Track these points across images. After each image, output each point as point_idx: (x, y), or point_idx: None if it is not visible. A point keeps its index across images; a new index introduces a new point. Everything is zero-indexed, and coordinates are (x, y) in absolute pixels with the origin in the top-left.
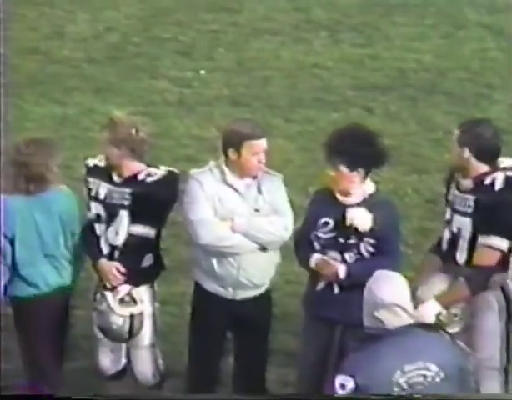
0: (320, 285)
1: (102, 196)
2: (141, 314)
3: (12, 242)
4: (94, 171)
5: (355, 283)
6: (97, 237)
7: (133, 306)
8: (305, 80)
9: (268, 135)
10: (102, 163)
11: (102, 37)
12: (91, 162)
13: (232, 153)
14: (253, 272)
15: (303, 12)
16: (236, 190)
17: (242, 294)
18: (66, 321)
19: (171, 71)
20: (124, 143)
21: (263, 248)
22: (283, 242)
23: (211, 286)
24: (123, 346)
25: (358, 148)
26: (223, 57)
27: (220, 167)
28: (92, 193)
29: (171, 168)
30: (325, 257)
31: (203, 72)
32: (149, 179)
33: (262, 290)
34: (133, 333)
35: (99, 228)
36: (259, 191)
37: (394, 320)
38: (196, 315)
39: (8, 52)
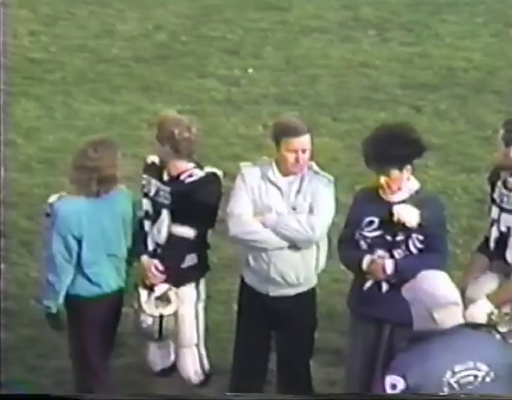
0: (367, 284)
1: (151, 193)
2: (173, 315)
3: (79, 243)
4: (149, 168)
5: (404, 280)
6: (145, 234)
7: (165, 306)
8: (353, 78)
9: (316, 133)
10: (157, 161)
11: (150, 35)
12: (150, 159)
13: (276, 148)
14: (285, 269)
15: (352, 10)
16: (277, 186)
17: (276, 291)
18: (118, 320)
19: (219, 69)
20: (168, 142)
21: (295, 246)
22: (310, 241)
23: (250, 280)
24: (171, 343)
25: (403, 147)
26: (271, 55)
27: (269, 162)
28: (145, 190)
29: (214, 170)
30: (374, 257)
31: (250, 70)
32: (188, 180)
33: (301, 289)
34: (165, 333)
35: (147, 225)
36: (301, 190)
37: (451, 320)
38: (239, 310)
39: (57, 50)
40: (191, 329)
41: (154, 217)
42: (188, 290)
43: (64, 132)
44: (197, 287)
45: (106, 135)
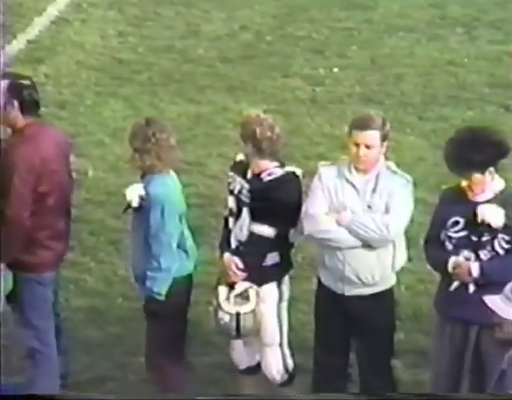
0: (454, 285)
1: (236, 190)
2: (252, 313)
3: (181, 220)
4: (236, 166)
5: (491, 282)
6: (229, 231)
7: (243, 304)
8: (440, 77)
9: (401, 133)
10: (244, 159)
11: (236, 35)
12: (238, 156)
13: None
14: (360, 268)
15: (439, 8)
16: (353, 185)
17: (351, 291)
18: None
19: (304, 69)
20: (251, 140)
21: (369, 246)
22: (384, 240)
23: (326, 280)
24: (256, 341)
25: (485, 151)
26: (357, 54)
27: (347, 161)
28: (230, 187)
29: (293, 169)
30: (459, 259)
31: (335, 69)
32: (267, 178)
33: (377, 289)
34: (243, 331)
35: (231, 222)
36: (376, 189)
37: None
38: (316, 309)
39: (144, 51)
40: (273, 328)
41: (237, 214)
42: (270, 289)
43: None
44: (279, 286)
45: (190, 135)
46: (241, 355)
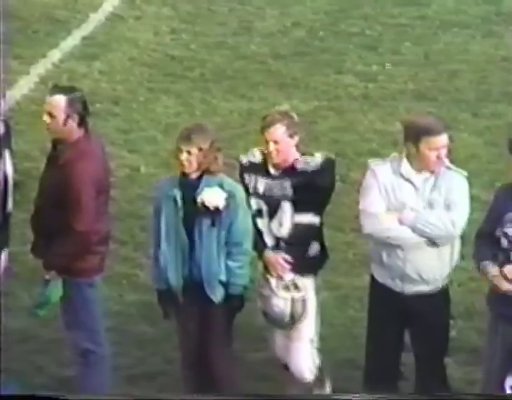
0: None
1: (261, 191)
2: (303, 300)
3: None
4: (249, 167)
5: None
6: (260, 231)
7: (295, 292)
8: (494, 74)
9: (454, 129)
10: (256, 159)
11: (289, 32)
12: (244, 159)
13: (410, 147)
14: (421, 266)
15: (494, 4)
16: (411, 183)
17: (411, 288)
18: None
19: (356, 65)
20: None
21: (433, 243)
22: (450, 237)
23: (382, 278)
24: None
25: None
26: (410, 50)
27: (400, 159)
28: (251, 189)
29: (326, 154)
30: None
31: (388, 65)
32: (308, 168)
33: (435, 286)
34: (295, 318)
35: (261, 222)
36: (436, 185)
37: None
38: (370, 307)
39: (197, 47)
40: (310, 321)
41: (270, 212)
42: (310, 281)
43: None
44: (316, 278)
45: (242, 131)
46: (284, 350)
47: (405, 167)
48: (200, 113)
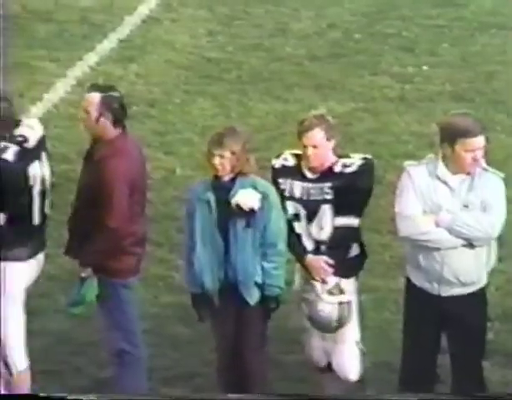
0: None
1: (297, 195)
2: (349, 303)
3: None
4: (283, 171)
5: None
6: (298, 235)
7: (341, 295)
8: None
9: (491, 131)
10: (289, 162)
11: (324, 33)
12: (277, 162)
13: (446, 149)
14: (459, 268)
15: None
16: (447, 185)
17: (448, 291)
18: None
19: (393, 67)
20: (333, 138)
21: (470, 245)
22: (488, 239)
23: (418, 280)
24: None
25: None
26: (447, 52)
27: (436, 160)
28: (286, 193)
29: (364, 155)
30: None
31: (425, 67)
32: (347, 170)
33: (472, 289)
34: (341, 322)
35: (299, 226)
36: (472, 187)
37: None
38: (406, 310)
39: (233, 49)
40: (355, 323)
41: (309, 216)
42: (352, 283)
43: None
44: (357, 279)
45: (277, 133)
46: (320, 353)
47: (441, 168)
48: (236, 115)
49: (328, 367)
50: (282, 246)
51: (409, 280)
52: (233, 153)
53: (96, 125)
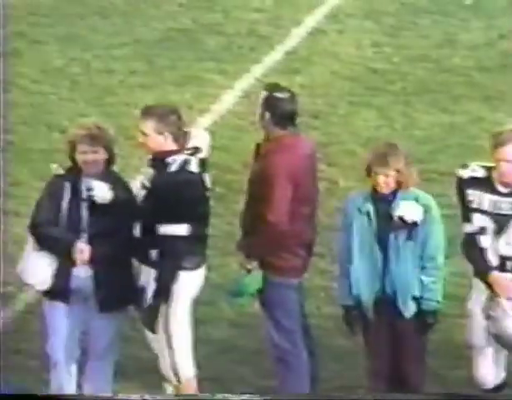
0: None
1: (486, 207)
2: None
3: None
4: (472, 182)
5: None
6: (481, 250)
7: None
8: None
9: None
10: (479, 174)
11: (494, 44)
12: (465, 173)
13: None
14: None
15: None
16: None
17: None
18: None
19: None
20: None
21: None
22: None
23: None
24: (503, 359)
25: None
26: None
27: None
28: (474, 205)
29: None
30: None
31: None
32: None
33: None
34: None
35: (485, 240)
36: None
37: None
38: None
39: (399, 60)
40: None
41: (496, 230)
42: None
43: (403, 142)
44: None
45: (442, 145)
46: (488, 372)
47: None
48: (400, 127)
49: (495, 388)
50: (441, 260)
51: None
52: (397, 171)
53: (260, 122)
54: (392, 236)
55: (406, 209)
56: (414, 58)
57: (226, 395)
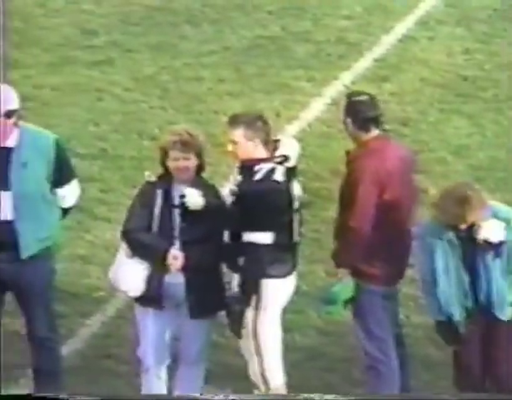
0: None
1: None
2: None
3: None
4: None
5: None
6: None
7: None
8: None
9: None
10: None
11: None
12: None
13: None
14: None
15: None
16: None
17: None
18: None
19: None
20: None
21: None
22: None
23: None
24: None
25: None
26: None
27: None
28: None
29: None
30: None
31: None
32: None
33: None
34: None
35: None
36: None
37: None
38: None
39: (491, 67)
40: None
41: None
42: None
43: (494, 150)
44: None
45: None
46: None
47: None
48: (491, 134)
49: None
50: None
51: None
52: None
53: (346, 130)
54: (479, 257)
55: (489, 230)
56: (506, 65)
57: (311, 395)
